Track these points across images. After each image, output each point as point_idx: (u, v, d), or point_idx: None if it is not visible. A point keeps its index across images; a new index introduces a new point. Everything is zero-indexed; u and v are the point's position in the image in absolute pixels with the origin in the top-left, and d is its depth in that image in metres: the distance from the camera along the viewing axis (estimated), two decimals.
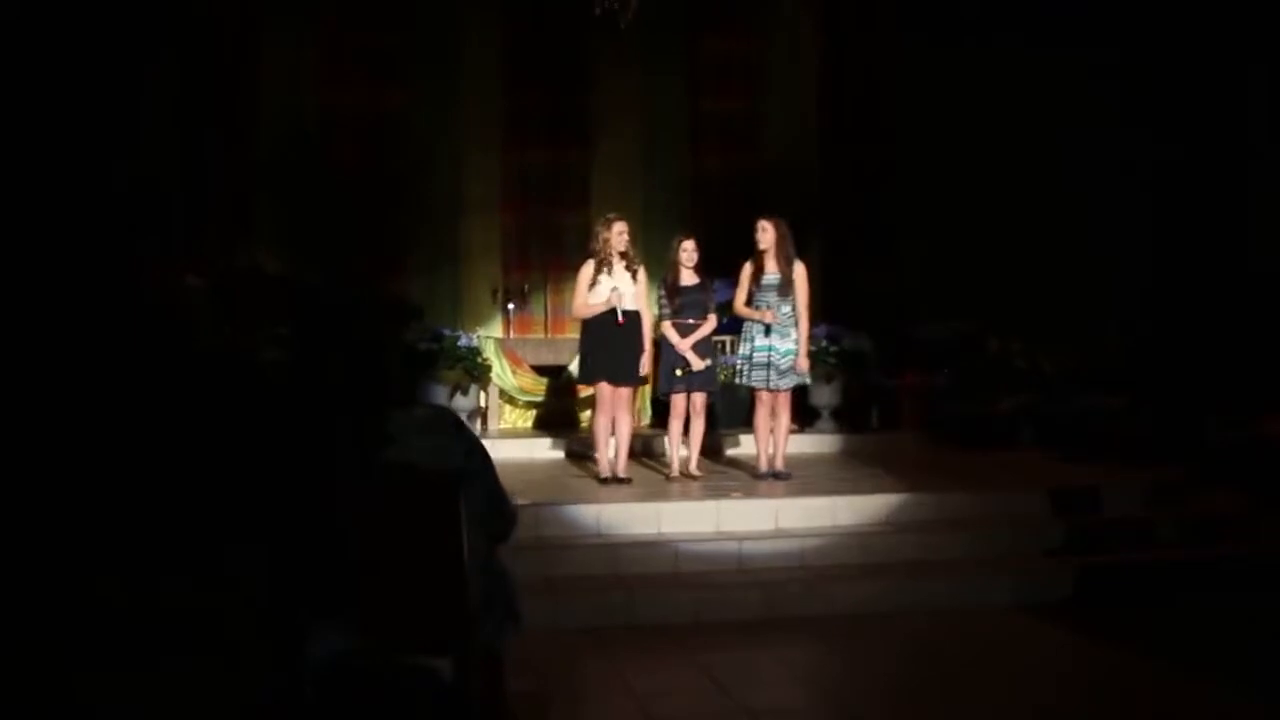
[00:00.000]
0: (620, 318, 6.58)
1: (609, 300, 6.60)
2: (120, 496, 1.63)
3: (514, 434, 9.20)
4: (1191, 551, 5.88)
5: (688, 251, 6.89)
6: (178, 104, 9.70)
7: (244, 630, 1.67)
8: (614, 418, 6.80)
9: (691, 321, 6.85)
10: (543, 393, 9.47)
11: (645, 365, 6.78)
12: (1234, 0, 9.79)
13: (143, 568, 1.62)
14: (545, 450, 8.51)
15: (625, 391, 6.81)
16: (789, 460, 7.14)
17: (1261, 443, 6.82)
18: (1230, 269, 9.88)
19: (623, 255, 6.74)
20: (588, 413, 8.58)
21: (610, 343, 6.64)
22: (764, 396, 6.88)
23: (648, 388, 8.71)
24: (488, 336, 9.53)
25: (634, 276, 6.76)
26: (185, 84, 9.61)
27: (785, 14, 11.08)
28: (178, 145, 9.66)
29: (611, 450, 6.85)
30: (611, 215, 6.89)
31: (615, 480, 6.74)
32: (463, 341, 8.85)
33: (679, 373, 6.81)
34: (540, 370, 9.54)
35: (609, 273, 6.70)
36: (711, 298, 6.99)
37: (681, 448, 7.05)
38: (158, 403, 1.71)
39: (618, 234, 6.71)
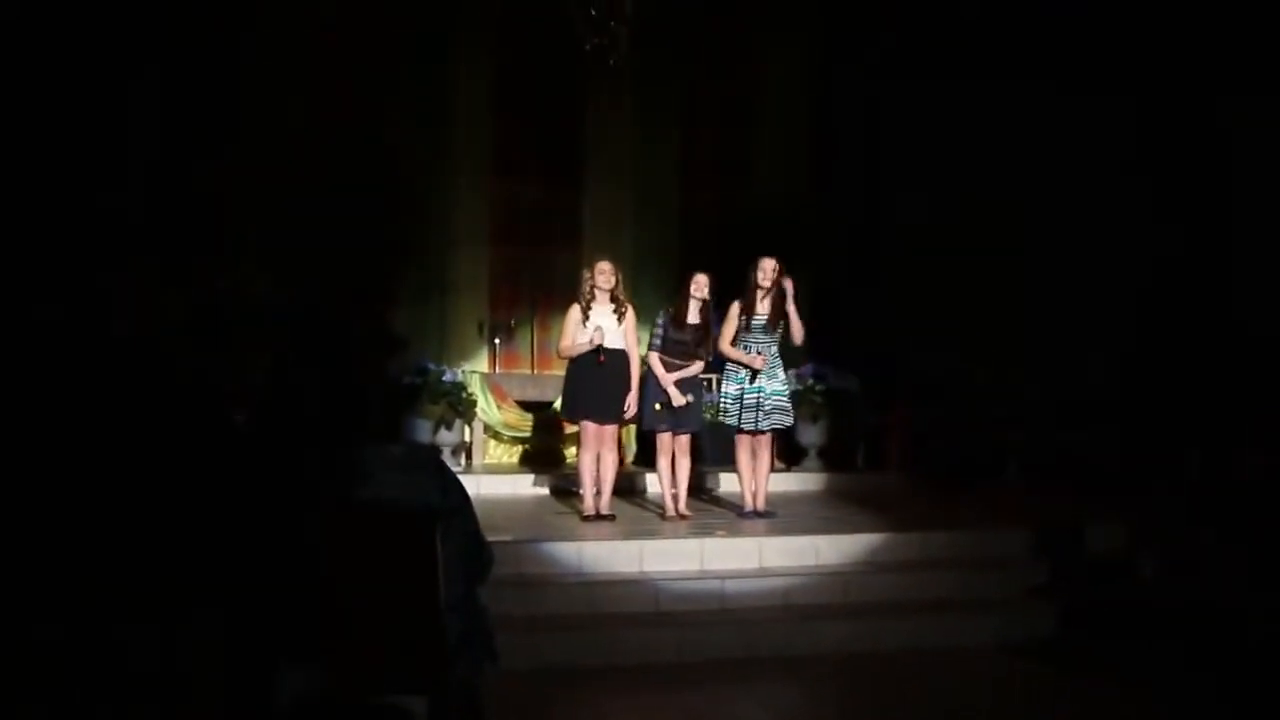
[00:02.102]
0: (602, 356, 6.58)
1: (591, 339, 6.61)
2: (81, 543, 1.61)
3: (498, 470, 9.17)
4: (1172, 589, 5.88)
5: (700, 286, 6.76)
6: (165, 127, 9.73)
7: (207, 673, 1.65)
8: (598, 454, 6.78)
9: (679, 360, 6.83)
10: (528, 428, 9.45)
11: (631, 404, 6.73)
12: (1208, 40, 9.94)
13: (106, 614, 1.60)
14: (529, 486, 8.47)
15: (610, 429, 6.79)
16: (775, 498, 7.16)
17: (1241, 478, 6.84)
18: (1214, 303, 9.95)
19: (609, 295, 6.74)
20: (573, 449, 8.56)
21: (594, 381, 6.64)
22: (745, 437, 6.87)
23: (632, 425, 8.69)
24: (473, 371, 9.52)
25: (620, 318, 6.74)
26: (173, 107, 9.66)
27: (778, 53, 11.19)
28: (165, 169, 9.68)
29: (596, 487, 6.82)
30: (600, 258, 6.92)
31: (598, 518, 6.71)
32: (448, 376, 8.84)
33: (658, 407, 6.76)
34: (525, 406, 9.52)
35: (593, 314, 6.70)
36: (707, 341, 6.86)
37: (671, 489, 6.97)
38: (128, 448, 1.69)
39: (599, 272, 6.71)
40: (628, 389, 6.72)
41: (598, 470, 6.79)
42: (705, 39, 11.22)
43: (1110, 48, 10.40)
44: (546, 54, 10.47)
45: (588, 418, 6.70)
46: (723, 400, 6.93)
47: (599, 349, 6.58)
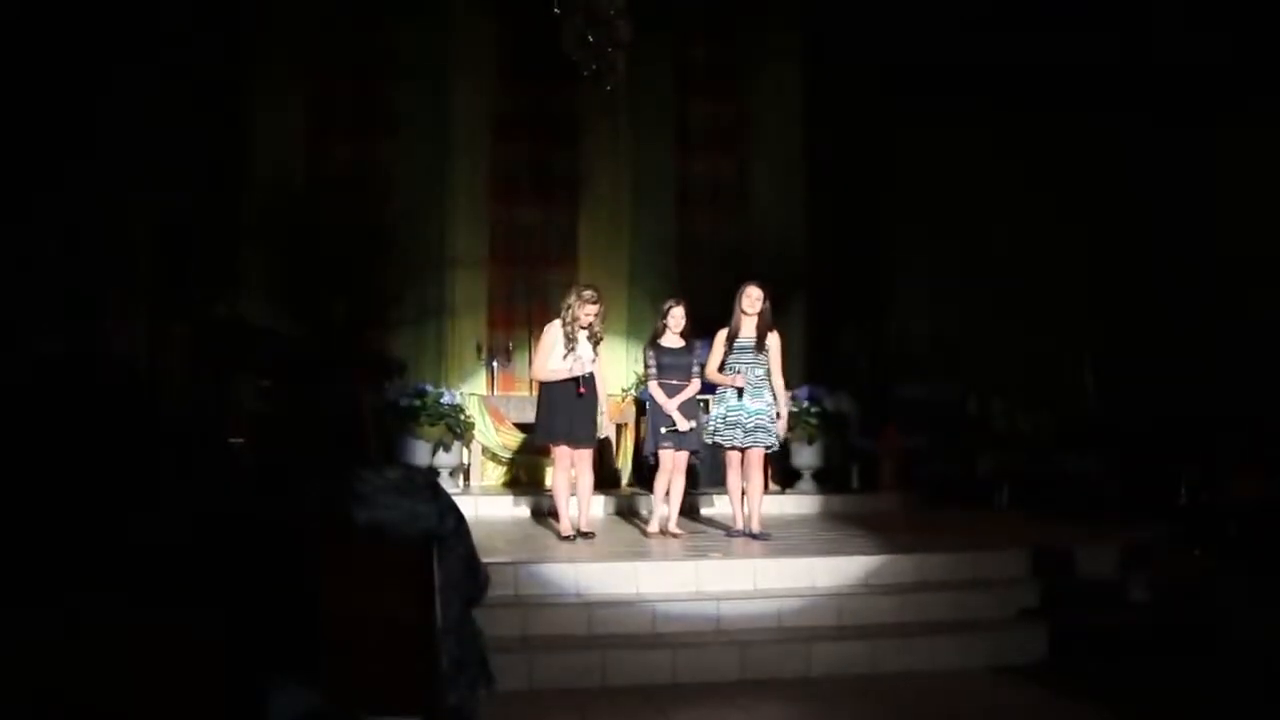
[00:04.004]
0: (581, 388, 6.73)
1: (570, 370, 6.74)
2: (78, 556, 1.66)
3: (496, 491, 9.19)
4: (1164, 612, 5.92)
5: (675, 318, 7.02)
6: (165, 153, 9.81)
7: (204, 693, 1.69)
8: (576, 474, 6.91)
9: (676, 382, 6.97)
10: (525, 450, 9.48)
11: (605, 425, 6.98)
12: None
13: (100, 631, 1.65)
14: (525, 508, 8.51)
15: (586, 450, 6.91)
16: (769, 520, 7.24)
17: (1232, 504, 6.89)
18: (1205, 326, 10.03)
19: (587, 328, 6.88)
20: None
21: (568, 406, 6.77)
22: (733, 458, 7.00)
23: (629, 448, 8.77)
24: (471, 393, 9.56)
25: (595, 344, 6.90)
26: (173, 133, 9.74)
27: (772, 79, 11.29)
28: (166, 195, 9.76)
29: (574, 507, 6.92)
30: (587, 293, 6.93)
31: (580, 535, 6.83)
32: (446, 398, 8.87)
33: (664, 430, 6.91)
34: (523, 427, 9.55)
35: (573, 344, 6.82)
36: (695, 361, 7.10)
37: (662, 506, 7.12)
38: (121, 466, 1.74)
39: (586, 314, 6.84)
40: (600, 411, 6.90)
41: (573, 490, 6.93)
42: (701, 64, 11.32)
43: (1103, 75, 10.51)
44: (545, 77, 10.55)
45: (564, 442, 6.83)
46: (712, 422, 7.07)
47: (578, 380, 6.72)
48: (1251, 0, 9.13)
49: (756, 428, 6.87)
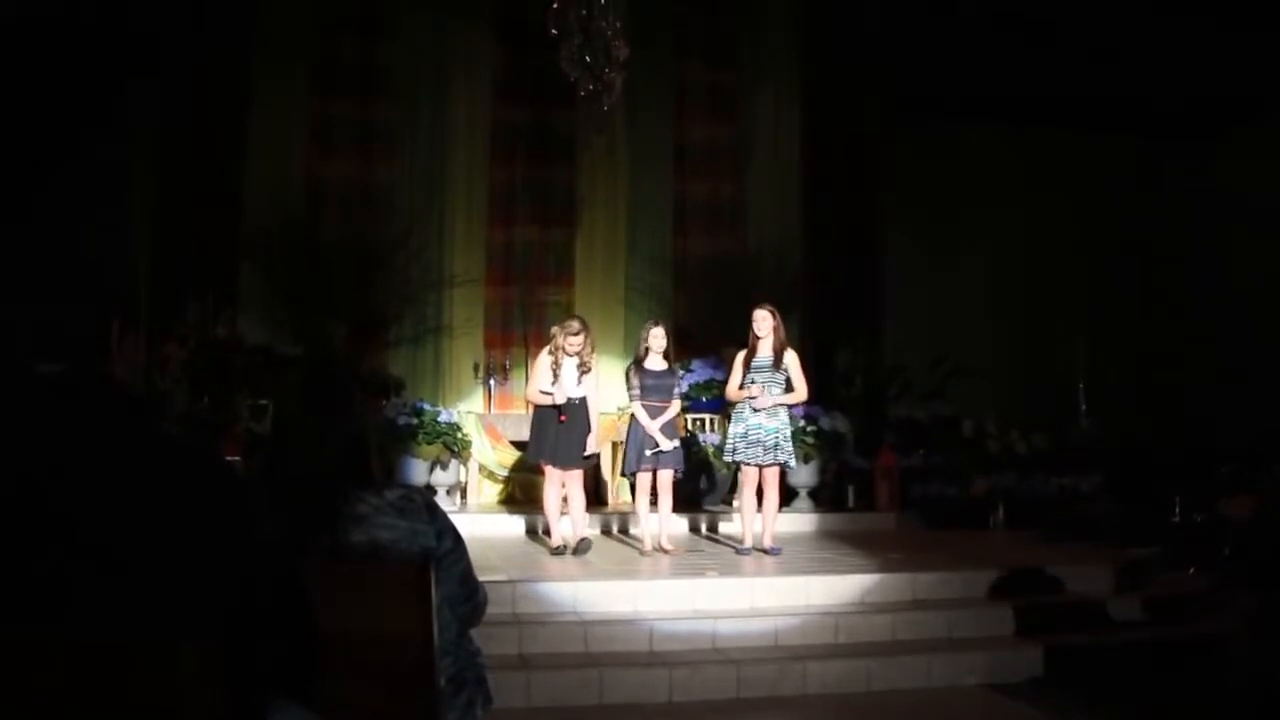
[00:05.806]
0: (562, 415, 6.90)
1: (552, 397, 6.93)
2: (70, 581, 1.68)
3: (492, 509, 9.21)
4: (1158, 631, 5.94)
5: (656, 338, 7.14)
6: (163, 172, 9.86)
7: (201, 715, 1.71)
8: (566, 490, 7.04)
9: (657, 404, 7.07)
10: (522, 468, 9.50)
11: (592, 446, 7.09)
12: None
13: (94, 655, 1.66)
14: (522, 526, 8.52)
15: (574, 470, 7.09)
16: (761, 538, 7.26)
17: (1225, 524, 6.92)
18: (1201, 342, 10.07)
19: (575, 356, 7.03)
20: None
21: (552, 429, 6.96)
22: (750, 475, 7.11)
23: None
24: (469, 411, 9.59)
25: (583, 374, 7.04)
26: (171, 151, 9.79)
27: (770, 100, 11.36)
28: (162, 213, 9.80)
29: (566, 522, 7.05)
30: (571, 324, 7.15)
31: (574, 551, 6.94)
32: (443, 417, 8.90)
33: (648, 453, 7.00)
34: (519, 445, 9.56)
35: (558, 371, 7.00)
36: (677, 383, 7.30)
37: (655, 523, 7.20)
38: (118, 483, 1.76)
39: (570, 345, 7.02)
40: (588, 434, 7.02)
41: (564, 506, 7.10)
42: (699, 84, 11.39)
43: (1102, 95, 10.58)
44: (543, 97, 10.61)
45: (550, 462, 7.04)
46: (729, 441, 7.19)
47: (558, 408, 6.90)
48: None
49: (776, 445, 6.99)
